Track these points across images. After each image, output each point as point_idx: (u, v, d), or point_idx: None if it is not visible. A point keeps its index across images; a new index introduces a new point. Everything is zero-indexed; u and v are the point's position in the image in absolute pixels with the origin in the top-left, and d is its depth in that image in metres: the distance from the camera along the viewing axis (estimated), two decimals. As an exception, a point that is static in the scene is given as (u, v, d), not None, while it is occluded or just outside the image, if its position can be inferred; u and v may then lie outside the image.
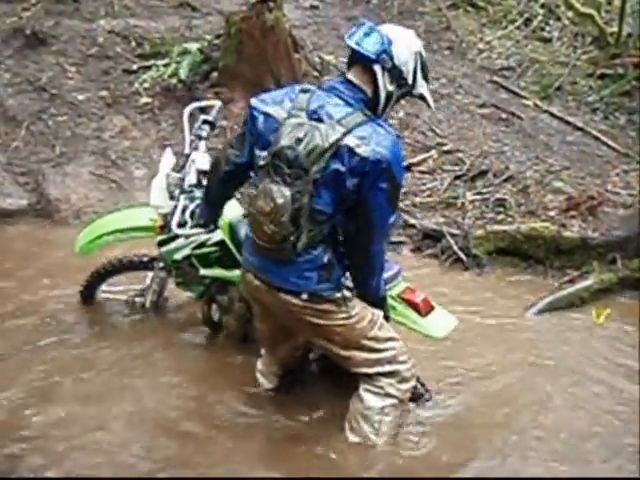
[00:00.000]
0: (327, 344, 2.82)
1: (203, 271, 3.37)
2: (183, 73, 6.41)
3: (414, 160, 5.95)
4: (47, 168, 5.71)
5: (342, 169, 2.51)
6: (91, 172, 5.83)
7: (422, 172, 5.89)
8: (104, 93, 6.57)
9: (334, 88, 2.63)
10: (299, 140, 2.51)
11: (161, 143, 6.14)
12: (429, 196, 5.49)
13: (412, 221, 5.19)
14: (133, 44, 7.19)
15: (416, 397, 3.07)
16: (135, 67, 6.83)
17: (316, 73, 6.70)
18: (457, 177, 5.68)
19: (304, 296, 2.65)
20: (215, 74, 6.43)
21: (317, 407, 3.08)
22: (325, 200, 2.54)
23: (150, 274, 3.74)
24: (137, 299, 3.80)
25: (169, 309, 3.86)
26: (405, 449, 2.85)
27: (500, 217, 5.12)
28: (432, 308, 2.92)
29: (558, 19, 8.64)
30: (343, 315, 2.70)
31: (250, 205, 2.67)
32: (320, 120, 2.54)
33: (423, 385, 3.13)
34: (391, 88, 2.63)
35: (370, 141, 2.50)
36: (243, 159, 2.80)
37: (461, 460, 2.85)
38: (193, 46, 6.60)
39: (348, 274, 2.74)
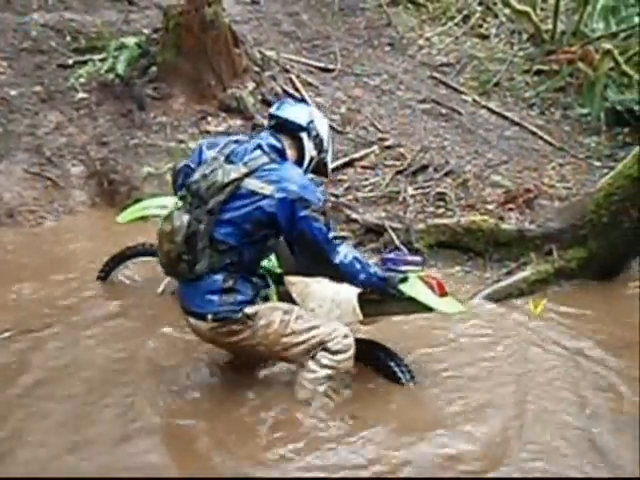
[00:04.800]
0: (258, 354, 3.02)
1: None
2: (121, 68, 6.28)
3: (356, 155, 5.98)
4: (-22, 166, 5.51)
5: (247, 208, 2.84)
6: (25, 170, 5.66)
7: (364, 167, 5.92)
8: (38, 88, 6.39)
9: (260, 139, 3.03)
10: (204, 176, 2.91)
11: (99, 140, 6.00)
12: (371, 191, 5.51)
13: (354, 216, 5.19)
14: (68, 38, 7.02)
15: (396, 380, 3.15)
16: (70, 62, 6.68)
17: (257, 68, 6.66)
18: (398, 172, 5.72)
19: (209, 317, 2.87)
20: (154, 69, 6.32)
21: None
22: (226, 231, 2.86)
23: None
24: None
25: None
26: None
27: (440, 211, 5.16)
28: (446, 293, 3.02)
29: (495, 16, 8.84)
30: (249, 332, 2.90)
31: (158, 229, 2.96)
32: (231, 162, 2.93)
33: (404, 365, 3.18)
34: (314, 153, 3.14)
35: (274, 180, 2.85)
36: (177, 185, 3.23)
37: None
38: (131, 40, 6.47)
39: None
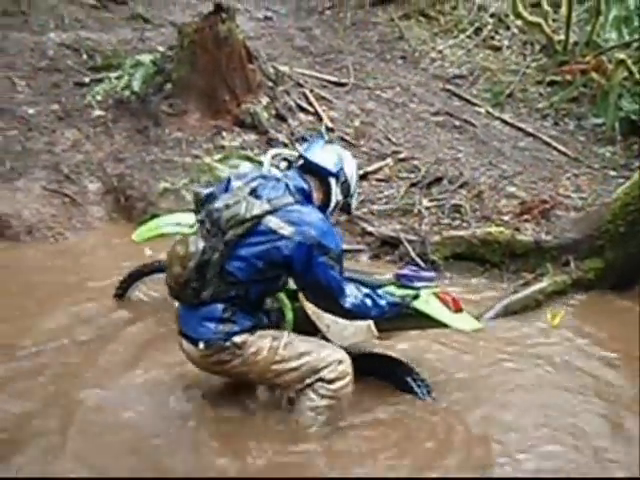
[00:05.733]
0: (251, 381, 3.05)
1: None
2: (136, 85, 6.35)
3: (370, 168, 6.00)
4: (-3, 183, 5.58)
5: (264, 246, 2.78)
6: (43, 187, 5.71)
7: (378, 180, 5.93)
8: (55, 106, 6.47)
9: (287, 179, 2.99)
10: (227, 206, 2.85)
11: (115, 156, 6.07)
12: (386, 203, 5.53)
13: (370, 229, 5.21)
14: (84, 57, 7.13)
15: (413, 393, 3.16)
16: (87, 80, 6.77)
17: (270, 83, 6.71)
18: (413, 184, 5.73)
19: (201, 346, 2.85)
20: (169, 86, 6.38)
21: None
22: (238, 265, 2.81)
23: None
24: None
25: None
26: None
27: (456, 223, 5.17)
28: (461, 310, 3.02)
29: (507, 28, 8.85)
30: (239, 360, 2.87)
31: (170, 249, 2.94)
32: (257, 197, 2.88)
33: (421, 380, 3.19)
34: (340, 198, 3.11)
35: (294, 221, 2.79)
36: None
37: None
38: (146, 58, 6.55)
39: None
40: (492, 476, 2.72)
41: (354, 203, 3.24)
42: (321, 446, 2.85)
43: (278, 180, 2.99)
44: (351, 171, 3.13)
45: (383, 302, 2.91)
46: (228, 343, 2.83)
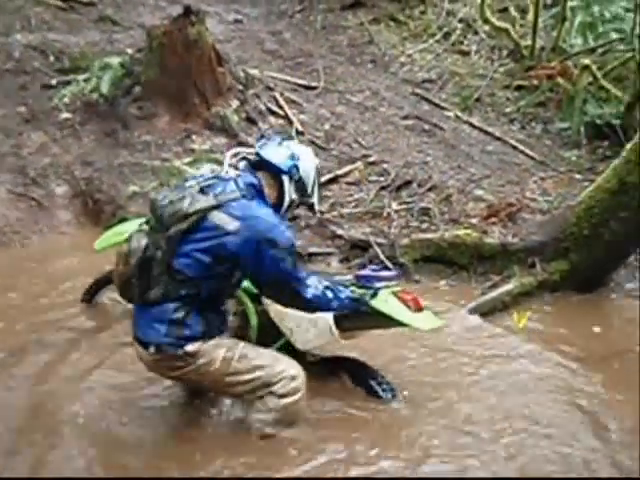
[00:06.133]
0: (203, 388, 3.03)
1: None
2: (105, 88, 6.31)
3: (340, 172, 6.03)
4: (-39, 187, 5.50)
5: (209, 242, 2.73)
6: (9, 190, 5.64)
7: (348, 183, 5.96)
8: (21, 109, 6.39)
9: (238, 176, 2.97)
10: (171, 202, 2.79)
11: (83, 159, 6.00)
12: (356, 207, 5.56)
13: (339, 232, 5.24)
14: (52, 59, 7.04)
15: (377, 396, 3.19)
16: (54, 82, 6.69)
17: (241, 87, 6.70)
18: (382, 187, 5.77)
19: (151, 350, 2.79)
20: (138, 89, 6.34)
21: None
22: (185, 262, 2.75)
23: None
24: None
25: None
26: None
27: (425, 226, 5.22)
28: (421, 308, 3.03)
29: (476, 33, 8.94)
30: (191, 367, 2.81)
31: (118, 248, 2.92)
32: (204, 193, 2.82)
33: (386, 383, 3.21)
34: (294, 196, 3.00)
35: (240, 216, 2.75)
36: None
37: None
38: (114, 60, 6.50)
39: None
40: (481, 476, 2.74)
41: (316, 202, 3.12)
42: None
43: (231, 179, 2.94)
44: (308, 169, 3.01)
45: (343, 295, 2.90)
46: (180, 352, 2.76)
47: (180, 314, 2.76)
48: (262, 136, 3.28)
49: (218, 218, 2.75)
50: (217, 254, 2.74)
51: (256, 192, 2.90)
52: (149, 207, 3.03)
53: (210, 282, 2.80)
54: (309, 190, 3.04)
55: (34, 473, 2.75)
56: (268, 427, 2.90)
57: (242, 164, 3.13)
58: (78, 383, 3.35)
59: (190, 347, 2.77)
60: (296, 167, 2.97)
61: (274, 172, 2.96)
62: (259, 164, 2.99)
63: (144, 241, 2.79)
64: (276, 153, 2.98)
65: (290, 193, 2.98)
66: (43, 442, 2.91)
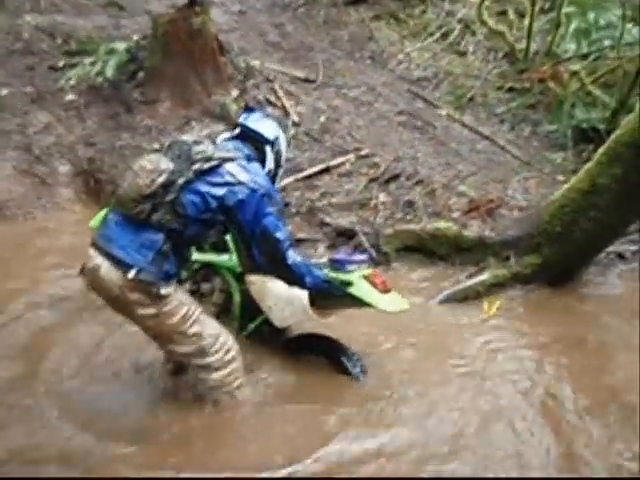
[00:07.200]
0: (146, 334, 3.10)
1: (196, 255, 3.46)
2: (110, 72, 6.53)
3: (333, 163, 6.25)
4: (-32, 162, 5.74)
5: (221, 188, 2.94)
6: (14, 167, 5.88)
7: (340, 174, 6.19)
8: (29, 89, 6.62)
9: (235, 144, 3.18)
10: (196, 142, 3.01)
11: (86, 140, 6.24)
12: (345, 197, 5.80)
13: (328, 220, 5.48)
14: (59, 41, 7.26)
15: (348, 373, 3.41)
16: (61, 64, 6.91)
17: (241, 77, 6.92)
18: (372, 180, 5.99)
19: (132, 273, 2.82)
20: (141, 74, 6.57)
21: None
22: (192, 199, 2.91)
23: None
24: None
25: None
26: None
27: (409, 217, 5.45)
28: (389, 290, 3.21)
29: (473, 34, 9.15)
30: (152, 311, 2.91)
31: (134, 163, 3.00)
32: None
33: (356, 360, 3.45)
34: (272, 167, 3.26)
35: (248, 169, 3.02)
36: None
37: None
38: (120, 45, 6.73)
39: None
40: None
41: (279, 175, 3.38)
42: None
43: (237, 141, 3.19)
44: (284, 143, 3.31)
45: (317, 273, 3.12)
46: (154, 289, 2.85)
47: (166, 247, 2.89)
48: (246, 108, 3.51)
49: (232, 167, 2.98)
50: (224, 201, 2.93)
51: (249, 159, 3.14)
52: (167, 144, 3.13)
53: (197, 225, 2.96)
54: (282, 162, 3.33)
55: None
56: (208, 392, 3.10)
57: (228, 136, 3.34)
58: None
59: (164, 290, 2.89)
60: (278, 139, 3.26)
61: (260, 142, 3.21)
62: (244, 135, 3.23)
63: (171, 165, 2.90)
64: (262, 125, 3.24)
65: (269, 163, 3.24)
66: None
